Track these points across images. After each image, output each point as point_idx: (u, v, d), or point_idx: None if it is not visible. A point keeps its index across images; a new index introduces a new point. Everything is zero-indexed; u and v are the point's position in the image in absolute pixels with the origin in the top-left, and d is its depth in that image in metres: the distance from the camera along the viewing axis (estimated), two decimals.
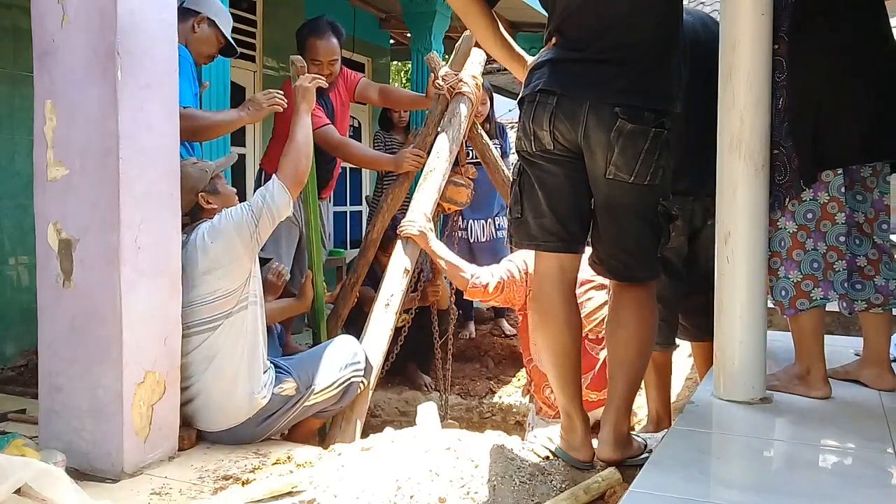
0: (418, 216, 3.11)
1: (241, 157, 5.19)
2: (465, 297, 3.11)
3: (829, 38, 2.14)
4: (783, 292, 2.17)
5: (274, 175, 2.56)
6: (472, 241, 4.57)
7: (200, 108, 3.17)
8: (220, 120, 3.07)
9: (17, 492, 1.60)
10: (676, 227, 2.43)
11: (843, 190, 2.14)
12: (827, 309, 2.24)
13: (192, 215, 2.54)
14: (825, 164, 2.14)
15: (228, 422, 2.40)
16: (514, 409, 3.96)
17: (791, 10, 2.11)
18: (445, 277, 3.46)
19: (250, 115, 3.05)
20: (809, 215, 2.15)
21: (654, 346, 2.18)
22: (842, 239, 2.15)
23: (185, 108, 2.77)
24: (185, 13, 2.99)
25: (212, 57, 3.11)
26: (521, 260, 2.89)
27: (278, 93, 3.07)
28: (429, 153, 3.38)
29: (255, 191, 3.72)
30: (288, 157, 2.62)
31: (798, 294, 2.15)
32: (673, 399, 2.99)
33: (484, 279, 2.89)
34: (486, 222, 4.58)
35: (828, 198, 2.15)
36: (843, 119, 2.13)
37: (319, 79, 2.92)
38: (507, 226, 2.12)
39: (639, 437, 2.14)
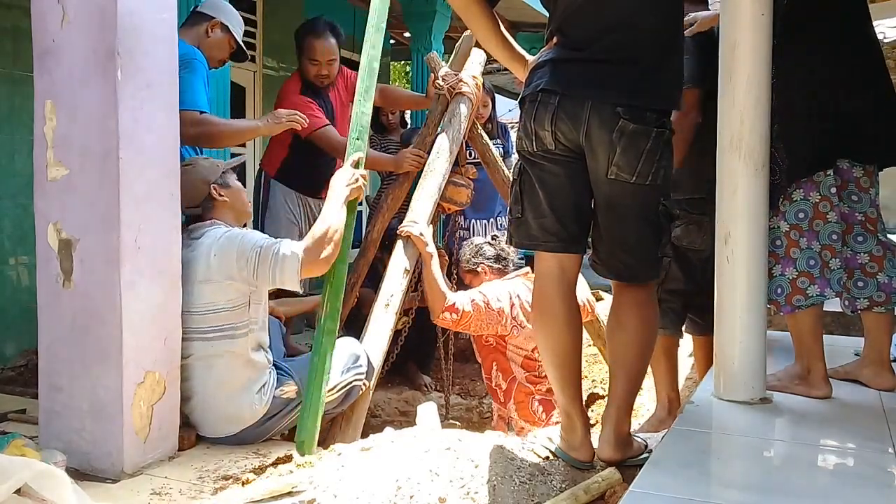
0: (421, 219, 3.13)
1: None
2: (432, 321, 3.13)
3: (818, 40, 2.16)
4: (778, 290, 2.17)
5: (301, 248, 2.40)
6: None
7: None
8: (238, 128, 3.10)
9: (18, 492, 1.60)
10: (704, 227, 2.46)
11: (833, 190, 2.15)
12: (827, 309, 2.24)
13: (204, 207, 2.53)
14: (815, 165, 2.15)
15: (229, 429, 2.40)
16: None
17: (782, 12, 2.12)
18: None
19: (267, 127, 3.07)
20: (801, 215, 2.16)
21: (662, 332, 2.32)
22: (835, 237, 2.16)
23: (202, 112, 2.79)
24: (199, 17, 3.01)
25: (223, 62, 3.14)
26: (488, 293, 3.08)
27: (301, 115, 3.11)
28: (429, 153, 3.39)
29: (255, 190, 3.75)
30: (315, 238, 2.44)
31: (794, 291, 2.15)
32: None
33: (459, 306, 2.99)
34: (489, 222, 4.57)
35: (819, 197, 2.16)
36: (833, 120, 2.14)
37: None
38: (507, 225, 2.12)
39: (639, 437, 2.14)
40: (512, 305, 3.09)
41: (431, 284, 3.03)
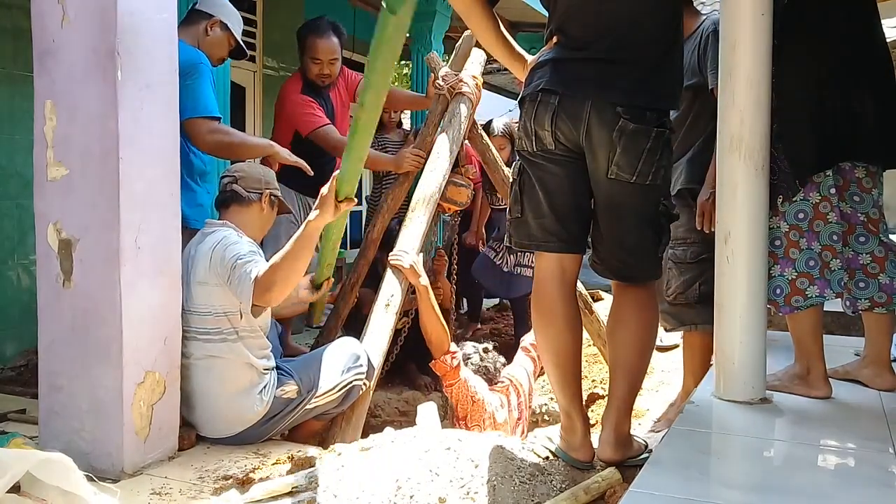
0: (409, 248, 2.98)
1: None
2: (430, 364, 3.02)
3: (818, 39, 2.15)
4: (777, 290, 2.17)
5: (258, 277, 2.29)
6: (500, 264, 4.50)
7: None
8: (251, 144, 3.01)
9: (17, 492, 1.60)
10: None
11: (833, 190, 2.15)
12: (828, 309, 2.23)
13: (241, 202, 2.57)
14: (815, 165, 2.14)
15: (229, 429, 2.41)
16: None
17: (781, 11, 2.11)
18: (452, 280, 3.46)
19: (279, 156, 2.98)
20: (801, 215, 2.16)
21: (703, 328, 2.46)
22: (835, 238, 2.15)
23: (218, 118, 2.79)
24: (198, 15, 2.99)
25: (222, 60, 3.12)
26: (478, 386, 2.98)
27: (306, 166, 3.07)
28: (429, 153, 3.39)
29: None
30: (269, 269, 2.28)
31: (793, 291, 2.15)
32: (672, 399, 2.99)
33: (459, 356, 2.90)
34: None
35: (819, 198, 2.15)
36: (833, 121, 2.13)
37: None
38: (506, 227, 2.11)
39: (639, 437, 2.14)
40: (484, 409, 2.97)
41: (432, 319, 2.86)
